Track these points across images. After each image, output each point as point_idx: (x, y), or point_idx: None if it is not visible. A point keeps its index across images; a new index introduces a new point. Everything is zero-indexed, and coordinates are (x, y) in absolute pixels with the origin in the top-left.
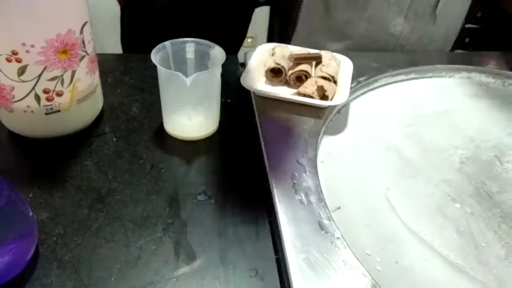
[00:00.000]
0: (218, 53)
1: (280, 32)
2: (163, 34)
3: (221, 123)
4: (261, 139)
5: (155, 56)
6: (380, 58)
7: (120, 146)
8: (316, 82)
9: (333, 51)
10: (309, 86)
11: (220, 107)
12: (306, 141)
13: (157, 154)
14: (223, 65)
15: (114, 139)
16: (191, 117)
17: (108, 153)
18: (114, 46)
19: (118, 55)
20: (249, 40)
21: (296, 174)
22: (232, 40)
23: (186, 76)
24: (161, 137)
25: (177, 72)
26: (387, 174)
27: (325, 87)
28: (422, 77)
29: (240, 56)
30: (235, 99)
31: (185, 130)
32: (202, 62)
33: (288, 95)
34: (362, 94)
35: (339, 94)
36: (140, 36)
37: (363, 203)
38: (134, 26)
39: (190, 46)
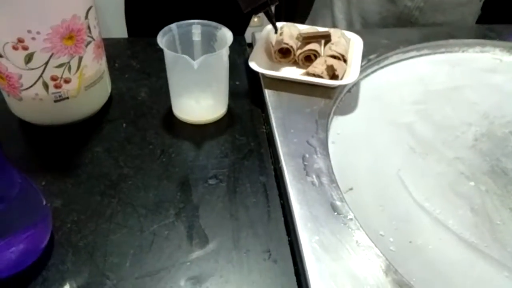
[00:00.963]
0: (225, 34)
1: (287, 9)
2: (168, 15)
3: (229, 106)
4: (271, 121)
5: (161, 39)
6: (391, 35)
7: (130, 132)
8: (325, 61)
9: (342, 28)
10: (319, 66)
11: (229, 89)
12: (317, 122)
13: (166, 139)
14: (230, 47)
15: (124, 124)
16: (199, 100)
17: (118, 139)
18: (119, 30)
19: (124, 39)
20: (255, 19)
21: (307, 155)
22: (239, 19)
23: (193, 59)
24: (170, 121)
25: (184, 55)
26: (399, 153)
27: (335, 66)
28: (435, 53)
29: (247, 36)
30: (244, 81)
31: (194, 114)
32: (209, 44)
33: (297, 76)
34: (372, 72)
35: (349, 73)
36: (145, 18)
37: (376, 184)
38: (139, 8)
39: (196, 28)
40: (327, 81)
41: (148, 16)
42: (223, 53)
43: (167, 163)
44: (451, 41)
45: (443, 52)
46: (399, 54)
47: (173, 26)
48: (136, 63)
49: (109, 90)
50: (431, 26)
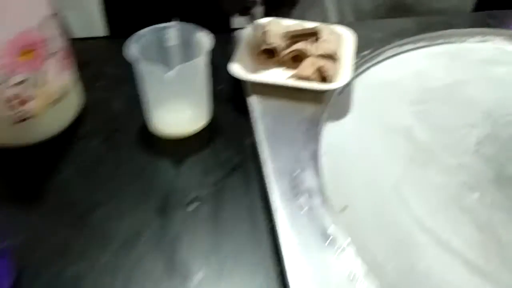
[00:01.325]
0: (204, 38)
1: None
2: (151, 8)
3: (212, 114)
4: (257, 132)
5: (130, 49)
6: (384, 27)
7: (103, 150)
8: (314, 62)
9: (333, 19)
10: (307, 68)
11: (212, 95)
12: (307, 132)
13: (143, 157)
14: (213, 46)
15: (96, 142)
16: (176, 113)
17: (90, 160)
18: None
19: (100, 39)
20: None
21: (297, 171)
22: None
23: (171, 66)
24: (147, 136)
25: (154, 66)
26: (397, 163)
27: (325, 68)
28: (431, 45)
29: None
30: (228, 85)
31: (172, 128)
32: (187, 49)
33: (283, 80)
34: (366, 69)
35: (341, 75)
36: (126, 11)
37: (373, 200)
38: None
39: (171, 31)
40: (315, 85)
41: (129, 9)
42: (201, 61)
43: (144, 185)
44: (449, 31)
45: (441, 44)
46: (394, 48)
47: (144, 31)
48: (113, 68)
49: (80, 103)
50: (427, 14)
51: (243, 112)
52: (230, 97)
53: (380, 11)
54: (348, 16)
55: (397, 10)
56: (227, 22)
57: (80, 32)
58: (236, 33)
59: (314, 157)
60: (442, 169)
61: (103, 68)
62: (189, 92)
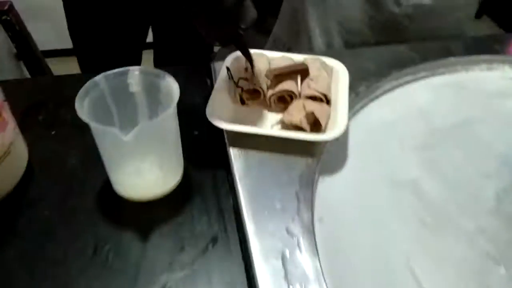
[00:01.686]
0: (171, 86)
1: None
2: (117, 17)
3: (186, 170)
4: (238, 196)
5: (82, 102)
6: (378, 56)
7: (53, 221)
8: (304, 105)
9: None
10: (296, 113)
11: (185, 144)
12: (298, 195)
13: (102, 228)
14: (188, 80)
15: (45, 211)
16: (142, 174)
17: (36, 234)
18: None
19: (52, 78)
20: None
21: (288, 252)
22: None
23: (134, 115)
24: (109, 199)
25: (110, 128)
26: (406, 229)
27: (316, 112)
28: (433, 75)
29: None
30: (204, 128)
31: (137, 190)
32: (152, 95)
33: (268, 130)
34: (361, 107)
35: (335, 121)
36: (92, 22)
37: (378, 280)
38: (82, 12)
39: (132, 76)
40: (307, 136)
41: (95, 18)
42: (168, 115)
43: (102, 268)
44: (452, 59)
45: (443, 73)
46: (391, 81)
47: (99, 78)
48: (67, 112)
49: (24, 163)
50: (421, 35)
51: (223, 164)
52: (207, 145)
53: (370, 32)
54: (334, 36)
55: (389, 31)
56: (205, 52)
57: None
58: (215, 64)
59: (309, 230)
60: (458, 235)
61: (57, 112)
62: (155, 151)
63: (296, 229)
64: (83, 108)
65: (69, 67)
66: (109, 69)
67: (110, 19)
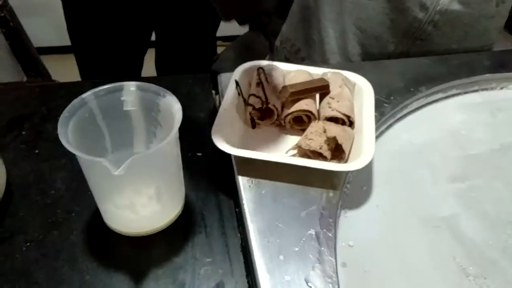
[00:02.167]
0: (171, 105)
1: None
2: (120, 18)
3: (187, 197)
4: (249, 238)
5: (66, 124)
6: (403, 69)
7: (32, 258)
8: (324, 129)
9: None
10: (315, 137)
11: (186, 168)
12: (318, 237)
13: (89, 270)
14: (191, 92)
15: (23, 247)
16: (137, 209)
17: (9, 276)
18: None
19: (37, 87)
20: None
21: None
22: (204, 41)
23: (131, 139)
24: (97, 234)
25: (98, 159)
26: (444, 279)
27: (339, 137)
28: (466, 92)
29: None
30: (210, 149)
31: (131, 226)
32: (150, 115)
33: (284, 157)
34: (387, 128)
35: (361, 147)
36: (93, 24)
37: None
38: (82, 14)
39: (128, 93)
40: (330, 166)
41: (94, 15)
42: (169, 142)
43: None
44: (487, 75)
45: (476, 91)
46: (420, 99)
47: (88, 96)
48: (54, 126)
49: (2, 188)
50: (445, 44)
51: (230, 193)
52: (211, 168)
53: (390, 37)
54: (350, 39)
55: (410, 37)
56: (208, 53)
57: None
58: (222, 76)
59: (332, 278)
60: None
61: (41, 127)
62: (152, 183)
63: (317, 279)
64: (67, 133)
65: (67, 65)
66: (109, 71)
67: (111, 21)
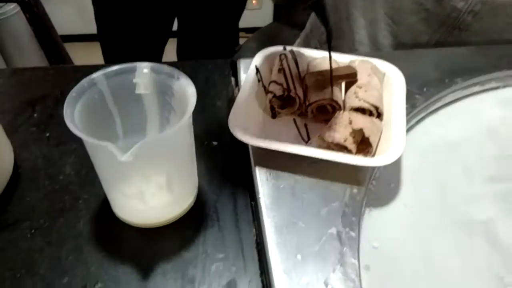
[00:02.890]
0: (185, 88)
1: None
2: (144, 6)
3: (200, 188)
4: (264, 234)
5: (74, 105)
6: (438, 59)
7: (35, 248)
8: (350, 120)
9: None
10: (340, 128)
11: (200, 157)
12: (340, 236)
13: (95, 262)
14: (209, 78)
15: (28, 234)
16: (146, 198)
17: (12, 264)
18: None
19: (52, 68)
20: (254, 1)
21: None
22: (226, 26)
23: (144, 123)
24: (106, 222)
25: (105, 143)
26: (477, 285)
27: (366, 130)
28: (506, 86)
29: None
30: (226, 139)
31: (140, 216)
32: (164, 99)
33: (306, 149)
34: (417, 122)
35: (389, 141)
36: (119, 11)
37: None
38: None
39: (141, 75)
40: (356, 160)
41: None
42: (180, 128)
43: None
44: None
45: None
46: (455, 92)
47: (98, 76)
48: None
49: (9, 171)
50: (484, 36)
51: (246, 185)
52: (227, 160)
53: (425, 28)
54: (381, 29)
55: (447, 29)
56: (230, 44)
57: None
58: (241, 62)
59: (354, 282)
60: None
61: (53, 110)
62: (163, 171)
63: (338, 283)
64: (73, 114)
65: (92, 53)
66: (132, 58)
67: (137, 8)
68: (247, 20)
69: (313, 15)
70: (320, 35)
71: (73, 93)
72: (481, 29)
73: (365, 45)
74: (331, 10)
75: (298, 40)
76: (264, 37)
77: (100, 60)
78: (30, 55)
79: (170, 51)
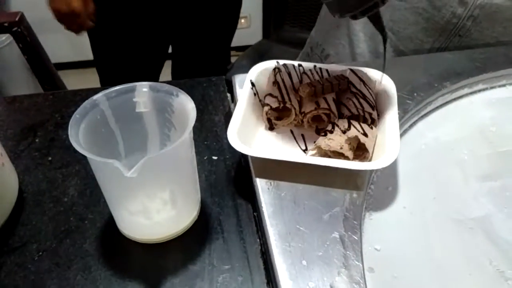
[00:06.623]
0: (185, 105)
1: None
2: (139, 33)
3: (203, 202)
4: (269, 243)
5: (77, 126)
6: (428, 64)
7: (44, 269)
8: (345, 128)
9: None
10: (336, 137)
11: (202, 172)
12: (342, 240)
13: (104, 279)
14: (205, 95)
15: (36, 256)
16: (151, 214)
17: (24, 287)
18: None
19: (51, 94)
20: (242, 20)
21: None
22: (219, 47)
23: (145, 141)
24: (112, 241)
25: (109, 160)
26: (479, 286)
27: (361, 137)
28: (492, 87)
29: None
30: (226, 153)
31: (145, 232)
32: (163, 116)
33: (304, 157)
34: (410, 126)
35: (383, 145)
36: (114, 36)
37: None
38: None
39: (140, 93)
40: (352, 165)
41: (116, 17)
42: (182, 143)
43: None
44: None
45: (504, 85)
46: (445, 95)
47: (99, 97)
48: (67, 134)
49: (14, 196)
50: (483, 41)
51: (248, 197)
52: (228, 170)
53: (424, 36)
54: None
55: (447, 36)
56: (222, 63)
57: None
58: (236, 77)
59: (359, 284)
60: None
61: (54, 134)
62: (166, 186)
63: (344, 285)
64: (78, 135)
65: (84, 79)
66: (129, 82)
67: (132, 35)
68: (236, 38)
69: (312, 32)
70: (321, 52)
71: (76, 114)
72: (480, 35)
73: (366, 58)
74: (331, 27)
75: (296, 60)
76: (254, 54)
77: (93, 86)
78: (23, 84)
79: (163, 73)
